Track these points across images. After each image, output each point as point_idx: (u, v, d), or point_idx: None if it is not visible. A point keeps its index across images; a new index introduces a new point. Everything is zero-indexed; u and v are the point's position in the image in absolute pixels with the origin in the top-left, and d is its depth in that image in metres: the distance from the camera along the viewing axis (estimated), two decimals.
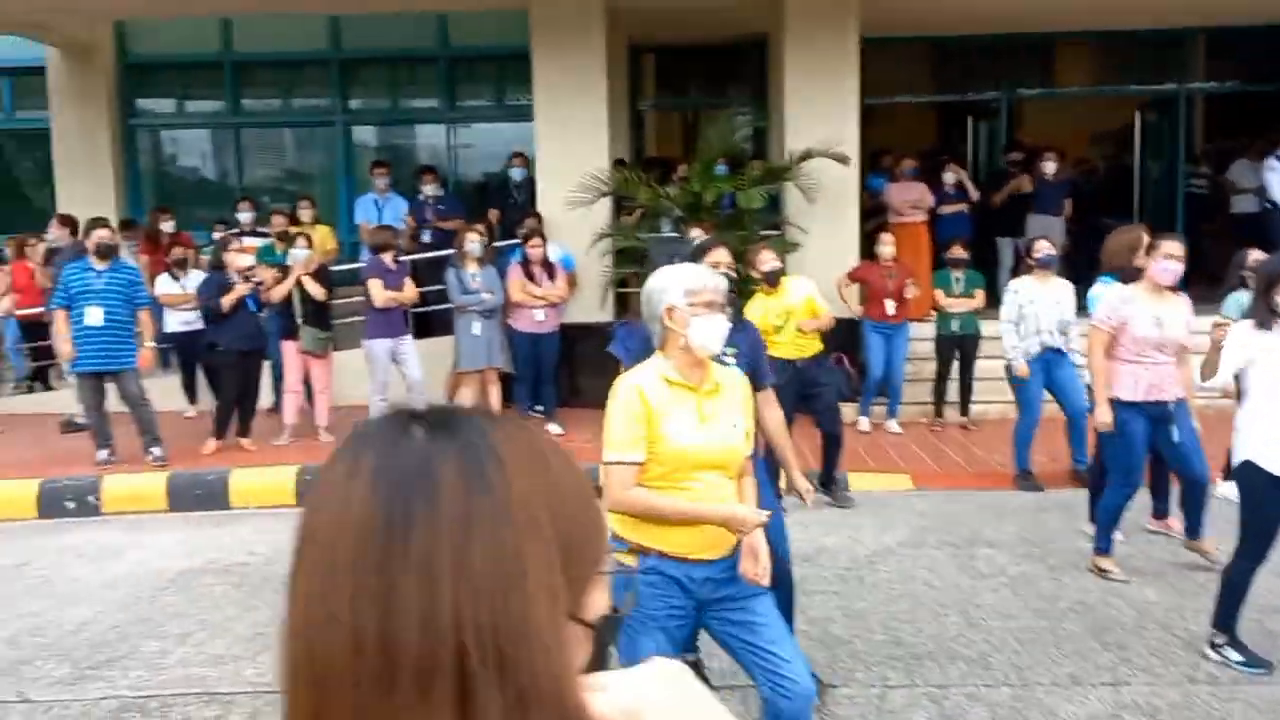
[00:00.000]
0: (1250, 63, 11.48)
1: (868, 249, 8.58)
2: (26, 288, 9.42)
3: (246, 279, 7.77)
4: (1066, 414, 6.70)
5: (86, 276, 7.19)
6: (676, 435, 2.69)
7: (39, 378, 10.05)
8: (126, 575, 5.57)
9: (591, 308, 8.97)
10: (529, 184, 9.76)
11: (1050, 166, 10.00)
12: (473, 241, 7.92)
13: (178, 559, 5.83)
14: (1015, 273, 8.86)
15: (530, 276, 8.13)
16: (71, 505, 6.85)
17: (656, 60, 11.87)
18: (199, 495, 6.98)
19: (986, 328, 8.21)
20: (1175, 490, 5.41)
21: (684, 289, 2.77)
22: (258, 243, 9.26)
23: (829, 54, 9.10)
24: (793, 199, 9.09)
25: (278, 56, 11.20)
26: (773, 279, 6.28)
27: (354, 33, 10.95)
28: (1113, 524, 5.17)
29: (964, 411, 8.39)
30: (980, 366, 8.27)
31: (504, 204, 9.88)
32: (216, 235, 9.39)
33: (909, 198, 9.60)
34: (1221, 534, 4.85)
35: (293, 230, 8.88)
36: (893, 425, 8.28)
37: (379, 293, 7.61)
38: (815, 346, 6.39)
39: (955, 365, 8.29)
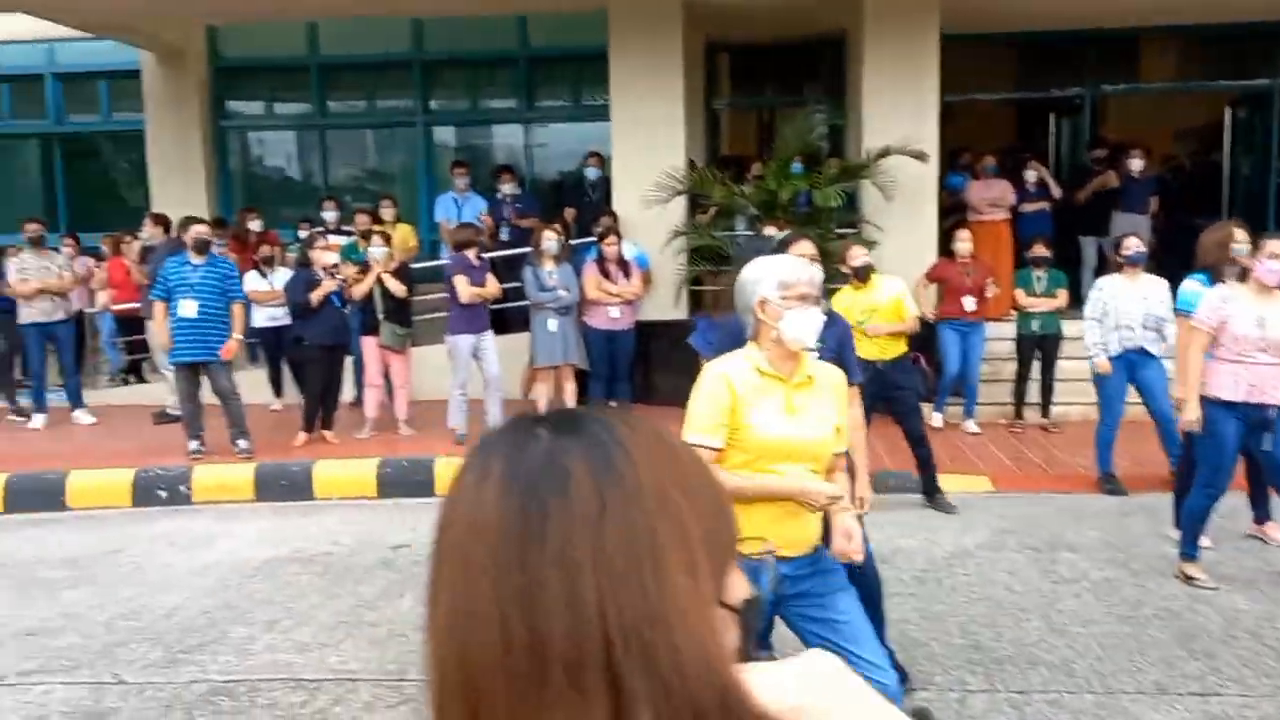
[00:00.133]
0: None
1: (947, 247, 8.48)
2: (122, 284, 9.78)
3: (332, 276, 7.96)
4: (1153, 417, 6.53)
5: (183, 270, 7.46)
6: (762, 425, 2.69)
7: (133, 371, 10.42)
8: (216, 563, 5.75)
9: (666, 305, 9.01)
10: (604, 183, 9.83)
11: (1137, 163, 9.76)
12: (550, 239, 8.00)
13: (264, 548, 6.00)
14: (1100, 272, 8.67)
15: (605, 274, 8.19)
16: (164, 494, 7.09)
17: (732, 59, 11.85)
18: (285, 486, 7.17)
19: (1068, 328, 8.06)
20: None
21: (778, 281, 2.75)
22: (342, 241, 9.47)
23: (909, 51, 9.00)
24: (870, 197, 9.01)
25: (362, 59, 11.44)
26: (863, 274, 6.24)
27: (436, 35, 11.14)
28: (1198, 529, 5.03)
29: (1045, 413, 8.23)
30: (1062, 367, 8.11)
31: (579, 202, 9.98)
32: (302, 233, 9.62)
33: (989, 195, 9.45)
34: None
35: (374, 229, 9.06)
36: (970, 425, 8.17)
37: (465, 289, 7.73)
38: (899, 348, 6.32)
39: (1036, 365, 8.14)
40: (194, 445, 7.53)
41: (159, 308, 7.51)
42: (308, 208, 10.64)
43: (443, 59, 11.40)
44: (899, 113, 8.93)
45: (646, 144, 9.07)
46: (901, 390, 6.24)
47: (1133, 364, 6.45)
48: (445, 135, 11.92)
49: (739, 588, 0.73)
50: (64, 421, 8.94)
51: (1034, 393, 8.23)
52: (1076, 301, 8.44)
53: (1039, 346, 8.07)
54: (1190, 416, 4.86)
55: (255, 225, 9.92)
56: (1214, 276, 5.34)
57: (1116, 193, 9.81)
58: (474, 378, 7.94)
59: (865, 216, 9.05)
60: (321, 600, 5.09)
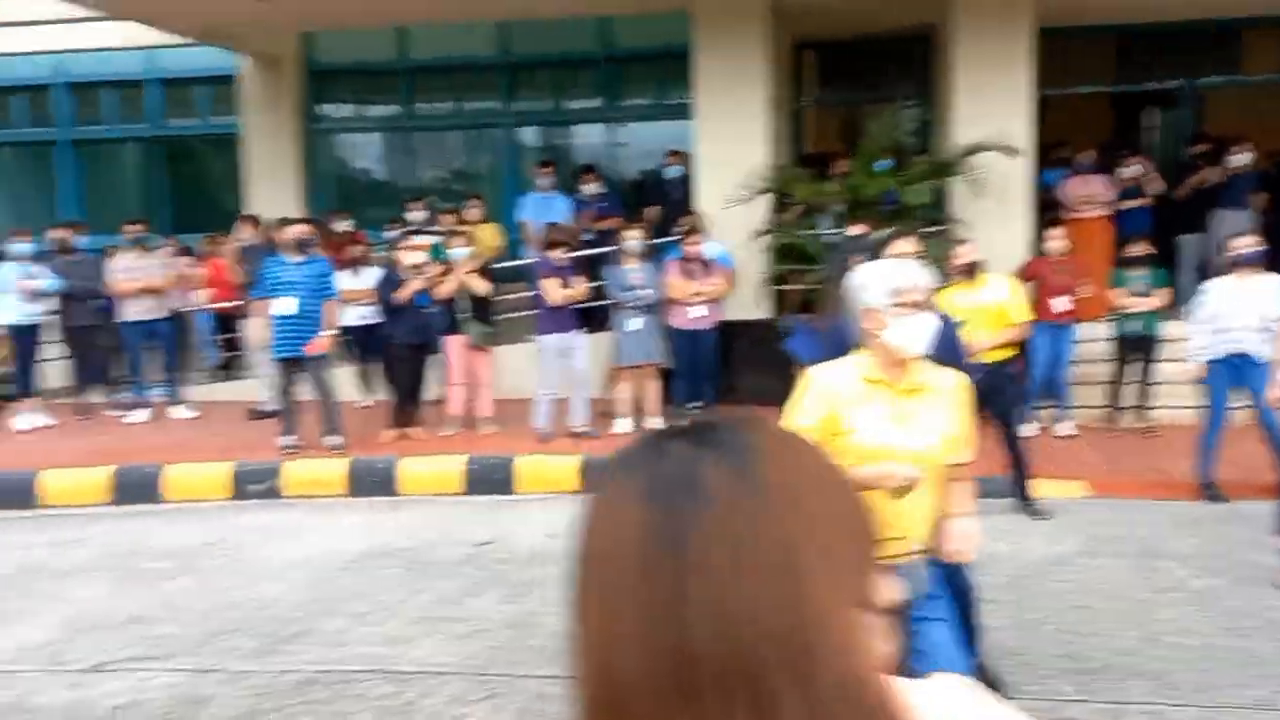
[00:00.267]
0: None
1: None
2: (219, 283, 10.07)
3: (418, 275, 8.09)
4: (1260, 421, 6.27)
5: (282, 269, 7.69)
6: (865, 431, 2.64)
7: (230, 367, 10.74)
8: (308, 556, 5.89)
9: (749, 305, 8.96)
10: (685, 181, 9.82)
11: (1240, 158, 9.39)
12: (632, 239, 8.02)
13: (354, 542, 6.13)
14: (1201, 271, 8.38)
15: (688, 273, 8.17)
16: (258, 488, 7.28)
17: (817, 55, 11.73)
18: (373, 481, 7.31)
19: (1168, 329, 7.80)
20: None
21: (885, 289, 2.68)
22: (429, 241, 9.62)
23: (1001, 45, 8.81)
24: (959, 194, 8.84)
25: (449, 62, 11.61)
26: (970, 272, 6.12)
27: (521, 38, 11.25)
28: None
29: (1142, 416, 7.97)
30: (1161, 369, 7.85)
31: (661, 201, 9.98)
32: (390, 234, 9.80)
33: (1086, 192, 9.20)
34: None
35: (459, 229, 9.19)
36: (1063, 428, 7.95)
37: (554, 291, 7.78)
38: (1005, 350, 6.19)
39: (1134, 367, 7.89)
40: (287, 440, 7.72)
41: (260, 307, 7.74)
42: (395, 209, 10.83)
43: (527, 61, 11.51)
44: (990, 107, 8.75)
45: (730, 142, 9.04)
46: (1001, 395, 6.09)
47: (1237, 368, 6.21)
48: (529, 136, 12.04)
49: (885, 591, 0.71)
50: (163, 416, 9.25)
51: (1132, 395, 7.97)
52: (1177, 301, 8.17)
53: (1137, 348, 7.83)
54: None
55: (344, 226, 10.13)
56: None
57: (1217, 189, 9.45)
58: (560, 377, 7.99)
59: (954, 214, 8.87)
60: (408, 595, 5.17)
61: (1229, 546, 5.55)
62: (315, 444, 7.73)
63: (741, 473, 0.68)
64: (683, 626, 0.64)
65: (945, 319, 3.80)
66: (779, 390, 9.26)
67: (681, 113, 10.44)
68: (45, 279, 9.03)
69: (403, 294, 7.96)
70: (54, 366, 9.61)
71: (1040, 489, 6.43)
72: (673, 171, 10.01)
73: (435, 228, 9.93)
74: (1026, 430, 7.87)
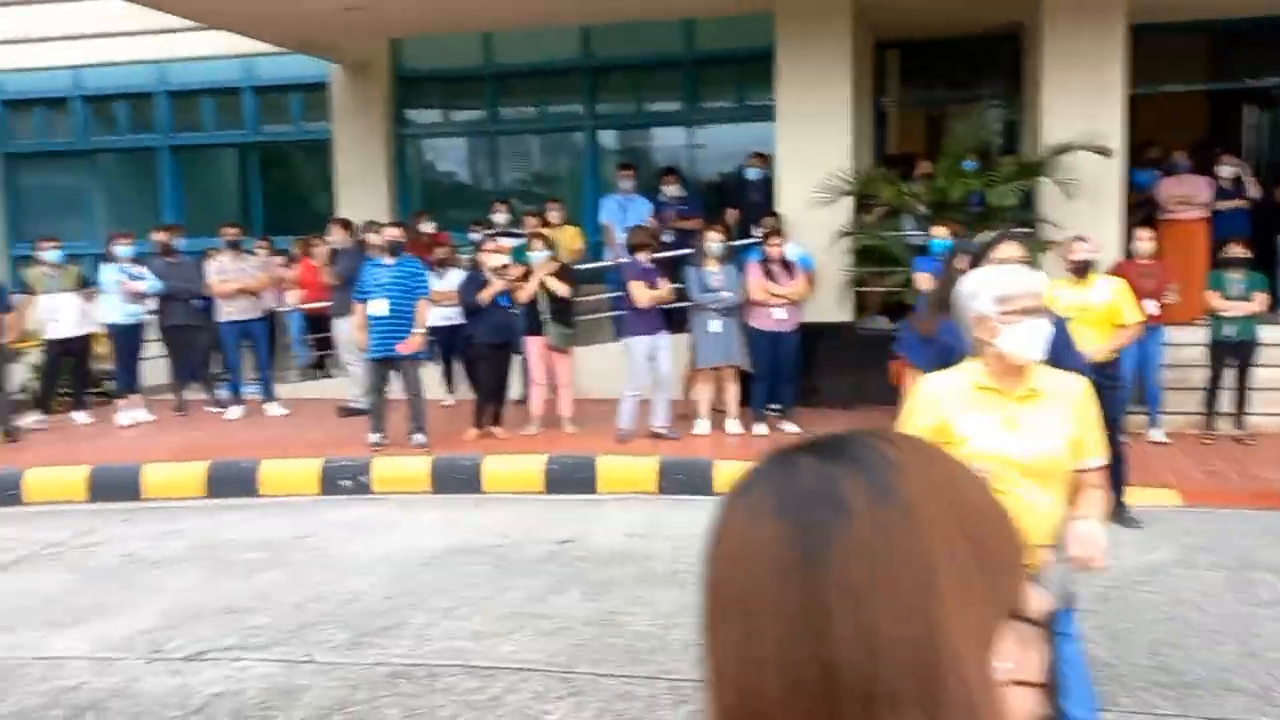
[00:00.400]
0: None
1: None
2: (311, 284, 10.35)
3: (500, 277, 8.22)
4: None
5: (376, 271, 7.90)
6: (977, 439, 2.57)
7: (320, 366, 11.03)
8: (395, 551, 6.02)
9: (830, 307, 8.90)
10: (766, 183, 9.80)
11: None
12: (713, 241, 8.03)
13: (439, 538, 6.25)
14: None
15: (769, 275, 8.15)
16: (347, 484, 7.47)
17: (901, 55, 11.60)
18: (457, 479, 7.45)
19: (1266, 333, 7.55)
20: None
21: (995, 296, 2.61)
22: (512, 243, 9.76)
23: (1092, 42, 8.61)
24: (1048, 195, 8.66)
25: (533, 67, 11.75)
26: (1081, 270, 6.02)
27: (603, 41, 11.34)
28: None
29: (1239, 423, 7.72)
30: (1259, 375, 7.59)
31: (742, 203, 9.97)
32: (474, 236, 9.96)
33: (1180, 193, 8.94)
34: None
35: (539, 231, 9.30)
36: (1155, 435, 7.74)
37: (641, 293, 7.83)
38: (1111, 352, 6.07)
39: (1230, 373, 7.65)
40: (375, 437, 7.90)
41: (359, 309, 7.96)
42: (479, 211, 11.01)
43: (609, 64, 11.60)
44: (1080, 106, 8.55)
45: (812, 143, 8.99)
46: (1104, 395, 5.95)
47: None
48: (610, 139, 12.12)
49: (1032, 602, 0.69)
50: (257, 413, 9.53)
51: (1227, 402, 7.73)
52: (1275, 305, 7.90)
53: (1234, 353, 7.58)
54: None
55: (428, 227, 10.31)
56: None
57: None
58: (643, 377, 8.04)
59: (1042, 215, 8.70)
60: (493, 591, 5.26)
61: None
62: (402, 441, 7.90)
63: (878, 487, 0.66)
64: (825, 645, 0.63)
65: (1056, 319, 3.72)
66: (859, 394, 9.25)
67: (763, 114, 10.41)
68: (146, 280, 9.38)
69: (484, 296, 8.10)
70: (153, 364, 9.97)
71: (1131, 497, 6.27)
72: (754, 173, 10.01)
73: (517, 230, 10.07)
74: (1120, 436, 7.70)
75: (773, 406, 8.27)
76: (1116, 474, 5.98)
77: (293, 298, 10.62)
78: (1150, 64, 9.44)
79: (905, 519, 0.65)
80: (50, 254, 9.32)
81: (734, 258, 8.45)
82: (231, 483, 7.49)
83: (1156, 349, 7.65)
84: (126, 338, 9.42)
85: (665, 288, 8.05)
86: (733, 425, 8.13)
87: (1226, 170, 9.24)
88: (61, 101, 12.86)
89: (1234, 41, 10.78)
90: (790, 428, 8.15)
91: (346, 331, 9.34)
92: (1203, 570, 5.28)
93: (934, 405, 2.64)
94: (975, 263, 3.16)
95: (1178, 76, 11.02)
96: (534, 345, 8.36)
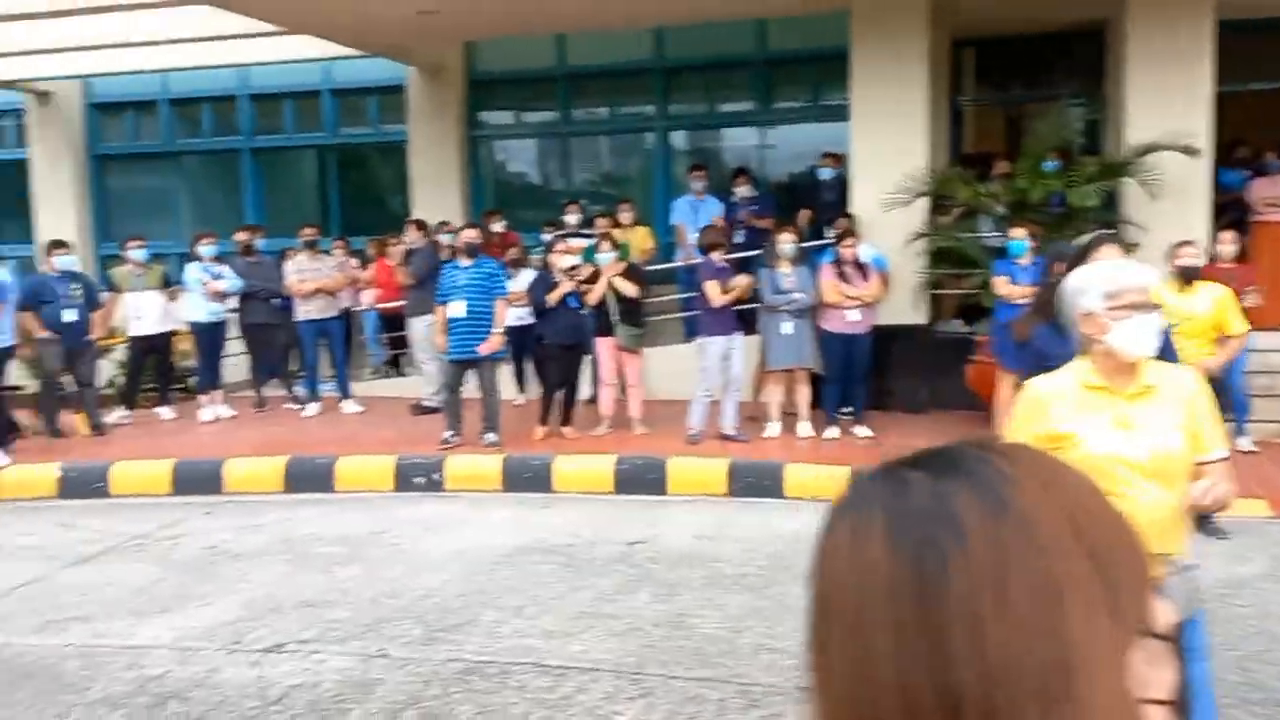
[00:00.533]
0: None
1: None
2: (385, 284, 10.52)
3: (571, 278, 8.26)
4: None
5: (454, 273, 8.02)
6: (1090, 441, 2.49)
7: (394, 364, 11.21)
8: (466, 548, 6.09)
9: (904, 309, 8.78)
10: (839, 183, 9.71)
11: None
12: (786, 242, 7.98)
13: (510, 536, 6.31)
14: None
15: (843, 276, 8.07)
16: (420, 481, 7.58)
17: (978, 53, 11.41)
18: (528, 478, 7.50)
19: None
20: None
21: (1103, 292, 2.53)
22: (582, 243, 9.81)
23: (1179, 39, 8.37)
24: (1131, 196, 8.44)
25: (605, 68, 11.81)
26: (1188, 276, 5.86)
27: (676, 42, 11.34)
28: None
29: None
30: None
31: (814, 204, 9.89)
32: (545, 237, 10.04)
33: (1271, 194, 8.64)
34: None
35: (606, 232, 9.33)
36: (1243, 443, 7.48)
37: (716, 294, 7.81)
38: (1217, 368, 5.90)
39: None
40: (449, 435, 8.00)
41: (439, 311, 8.09)
42: (551, 212, 11.09)
43: (682, 65, 11.60)
44: (1166, 105, 8.32)
45: (887, 143, 8.88)
46: None
47: None
48: (682, 139, 12.13)
49: (1159, 615, 0.67)
50: (333, 410, 9.71)
51: None
52: None
53: None
54: None
55: (498, 227, 10.41)
56: None
57: None
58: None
59: (1125, 217, 8.48)
60: (564, 590, 5.29)
61: None
62: (474, 440, 7.99)
63: (993, 502, 0.64)
64: (941, 667, 0.61)
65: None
66: (933, 398, 9.12)
67: (836, 114, 10.33)
68: (228, 279, 9.62)
69: (552, 297, 8.15)
70: (233, 362, 10.23)
71: None
72: (826, 173, 9.92)
73: (588, 230, 10.12)
74: None
75: (845, 410, 8.18)
76: None
77: (368, 297, 10.81)
78: (1237, 61, 9.14)
79: (1023, 535, 0.63)
80: (136, 253, 9.61)
81: (806, 259, 8.38)
82: (309, 478, 7.63)
83: (1243, 355, 7.40)
84: (209, 335, 9.67)
85: (743, 280, 7.99)
86: (804, 428, 8.07)
87: None
88: (149, 105, 13.27)
89: None
90: (862, 432, 8.06)
91: (420, 331, 9.49)
92: None
93: (1042, 409, 2.56)
94: (1073, 265, 3.08)
95: (1266, 74, 10.65)
96: (604, 346, 8.38)
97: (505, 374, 9.76)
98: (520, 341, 9.43)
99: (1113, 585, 0.64)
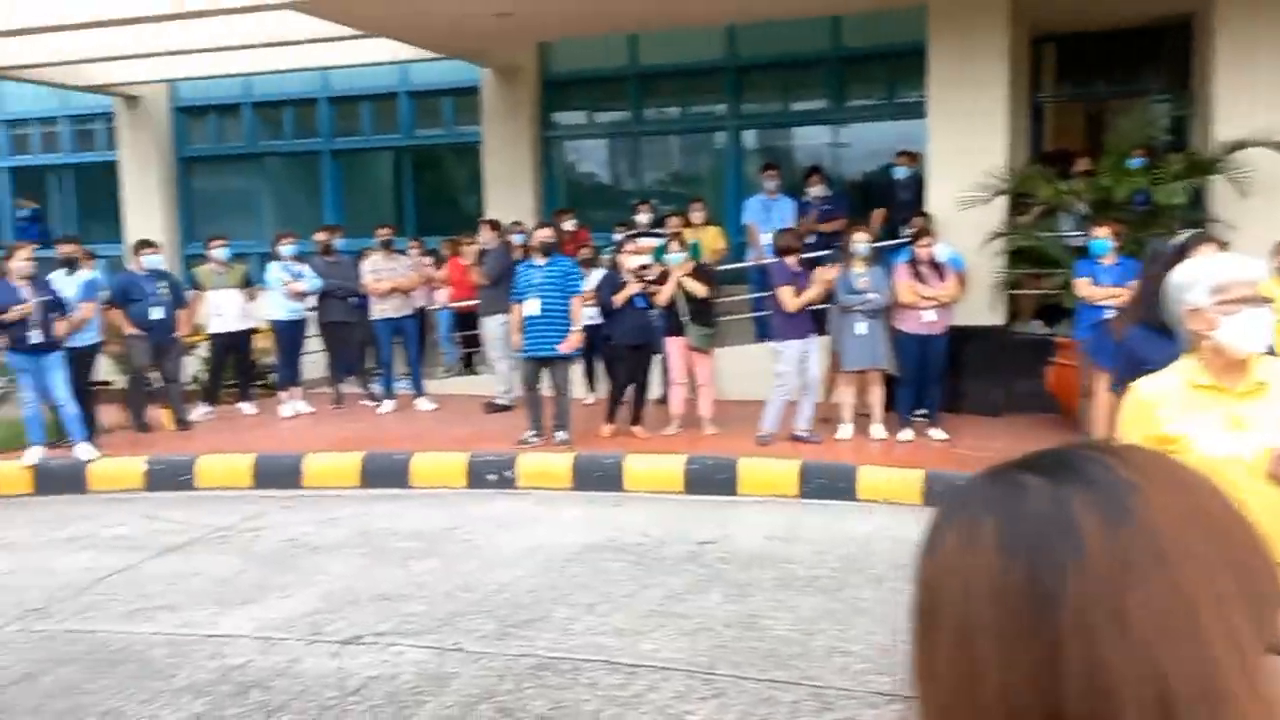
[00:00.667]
0: None
1: None
2: (459, 283, 10.66)
3: (640, 278, 8.28)
4: None
5: (530, 272, 8.10)
6: (1202, 445, 2.39)
7: (467, 363, 11.35)
8: (539, 545, 6.14)
9: (981, 310, 8.63)
10: (914, 182, 9.59)
11: None
12: (860, 241, 7.90)
13: (581, 534, 6.34)
14: None
15: (918, 276, 7.95)
16: (493, 478, 7.66)
17: (1058, 49, 11.17)
18: (598, 476, 7.54)
19: None
20: None
21: (1209, 286, 2.42)
22: (653, 243, 9.82)
23: (1270, 32, 8.10)
24: (1220, 194, 8.19)
25: (677, 67, 11.81)
26: None
27: (749, 40, 11.29)
28: None
29: None
30: None
31: (889, 203, 9.78)
32: (617, 237, 10.07)
33: None
34: None
35: (676, 232, 9.32)
36: None
37: (790, 299, 7.76)
38: None
39: None
40: (530, 434, 8.07)
41: (515, 309, 8.18)
42: (622, 212, 11.12)
43: (754, 63, 11.55)
44: (1258, 101, 8.06)
45: (965, 141, 8.73)
46: None
47: None
48: (754, 138, 12.07)
49: None
50: (408, 407, 9.87)
51: None
52: None
53: None
54: None
55: (569, 225, 10.46)
56: None
57: None
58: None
59: (1213, 214, 8.23)
60: (634, 589, 5.30)
61: None
62: (545, 438, 8.05)
63: (1115, 511, 0.61)
64: (1054, 690, 0.58)
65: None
66: (1009, 401, 8.94)
67: (911, 111, 10.19)
68: (308, 279, 9.82)
69: (618, 297, 8.17)
70: (312, 359, 10.45)
71: None
72: (901, 172, 9.80)
73: (659, 230, 10.13)
74: None
75: (919, 412, 8.07)
76: None
77: (442, 296, 10.96)
78: None
79: (1147, 545, 0.60)
80: (219, 252, 9.87)
81: (881, 259, 8.29)
82: (384, 474, 7.76)
83: None
84: (289, 333, 9.89)
85: (822, 275, 7.92)
86: (877, 430, 7.97)
87: None
88: (232, 108, 13.61)
89: None
90: (937, 434, 7.94)
91: (493, 329, 9.59)
92: None
93: (1148, 412, 2.47)
94: (1172, 264, 2.99)
95: None
96: (674, 346, 8.38)
97: (576, 373, 9.82)
98: (590, 340, 9.47)
99: (1243, 599, 0.60)
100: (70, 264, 8.84)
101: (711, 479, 7.33)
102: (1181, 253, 3.38)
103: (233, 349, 9.96)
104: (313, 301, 10.01)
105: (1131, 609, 0.58)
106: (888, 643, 4.52)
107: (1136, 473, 0.63)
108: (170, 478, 7.88)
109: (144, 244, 9.53)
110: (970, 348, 8.47)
